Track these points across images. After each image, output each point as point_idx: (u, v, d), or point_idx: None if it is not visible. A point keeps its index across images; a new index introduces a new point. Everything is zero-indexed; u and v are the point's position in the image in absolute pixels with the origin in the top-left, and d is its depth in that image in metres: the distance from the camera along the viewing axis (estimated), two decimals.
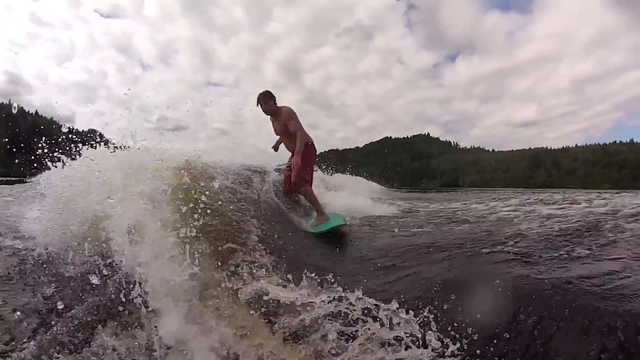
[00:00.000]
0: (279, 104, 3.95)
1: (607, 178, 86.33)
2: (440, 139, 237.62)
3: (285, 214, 3.70)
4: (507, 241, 2.65)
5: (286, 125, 3.84)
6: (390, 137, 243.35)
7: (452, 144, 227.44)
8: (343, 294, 1.50)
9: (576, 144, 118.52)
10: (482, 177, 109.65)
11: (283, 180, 4.29)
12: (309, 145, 3.93)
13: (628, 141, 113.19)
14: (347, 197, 5.85)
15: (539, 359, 1.34)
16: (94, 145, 2.62)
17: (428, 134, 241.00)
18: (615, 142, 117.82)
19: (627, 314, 1.44)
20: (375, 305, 1.45)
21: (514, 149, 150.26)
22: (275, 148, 4.35)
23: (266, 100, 3.82)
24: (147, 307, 1.56)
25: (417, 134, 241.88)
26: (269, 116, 3.98)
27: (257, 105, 3.85)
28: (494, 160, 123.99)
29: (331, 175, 8.27)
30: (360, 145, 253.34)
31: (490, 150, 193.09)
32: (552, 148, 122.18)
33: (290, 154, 4.13)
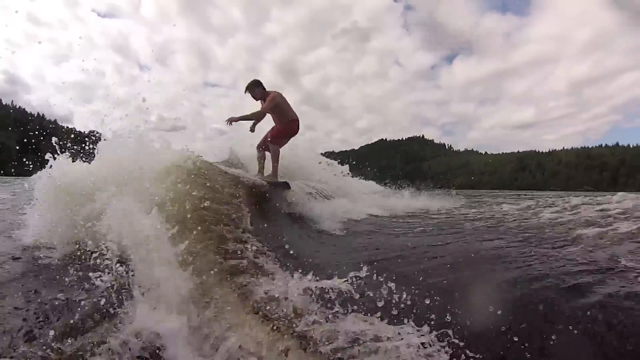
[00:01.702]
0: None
1: (587, 180, 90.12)
2: (435, 141, 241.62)
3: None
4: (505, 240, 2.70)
5: (274, 105, 4.41)
6: (385, 139, 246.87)
7: (446, 146, 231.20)
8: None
9: (563, 147, 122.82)
10: (470, 179, 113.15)
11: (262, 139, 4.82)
12: (294, 121, 4.64)
13: (613, 144, 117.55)
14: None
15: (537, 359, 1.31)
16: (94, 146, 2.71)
17: (423, 136, 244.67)
18: (601, 145, 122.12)
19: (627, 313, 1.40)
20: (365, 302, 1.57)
21: (505, 152, 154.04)
22: (252, 129, 4.76)
23: (253, 88, 4.44)
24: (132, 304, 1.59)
25: (412, 136, 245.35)
26: (259, 101, 4.55)
27: (245, 92, 4.49)
28: (483, 163, 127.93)
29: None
30: (356, 148, 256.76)
31: (483, 152, 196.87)
32: (540, 151, 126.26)
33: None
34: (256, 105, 4.58)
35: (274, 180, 4.44)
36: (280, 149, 4.76)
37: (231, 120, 4.26)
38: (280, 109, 4.52)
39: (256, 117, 4.49)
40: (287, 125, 4.60)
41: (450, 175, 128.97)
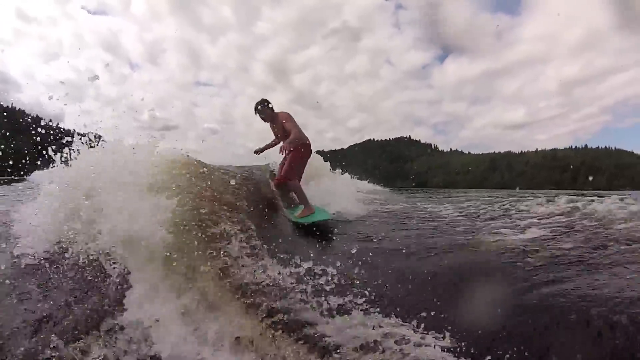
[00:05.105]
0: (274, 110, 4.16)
1: (550, 180, 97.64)
2: (423, 141, 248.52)
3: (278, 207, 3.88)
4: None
5: (284, 127, 4.01)
6: (373, 139, 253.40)
7: (432, 146, 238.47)
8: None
9: (537, 149, 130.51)
10: (446, 179, 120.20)
11: (277, 173, 4.39)
12: (306, 144, 4.06)
13: (582, 146, 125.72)
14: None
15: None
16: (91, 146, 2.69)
17: (409, 136, 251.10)
18: (571, 147, 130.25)
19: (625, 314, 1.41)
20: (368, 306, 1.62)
21: (484, 152, 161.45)
22: (258, 152, 4.58)
23: (264, 108, 4.07)
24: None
25: (399, 136, 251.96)
26: (268, 122, 4.22)
27: (255, 113, 4.11)
28: (461, 164, 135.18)
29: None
30: (345, 147, 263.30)
31: (467, 153, 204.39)
32: (513, 152, 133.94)
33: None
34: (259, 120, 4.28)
35: (311, 212, 3.84)
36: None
37: (258, 152, 4.56)
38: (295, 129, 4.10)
39: (277, 144, 4.42)
40: (300, 151, 4.10)
41: (430, 175, 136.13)
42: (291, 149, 3.88)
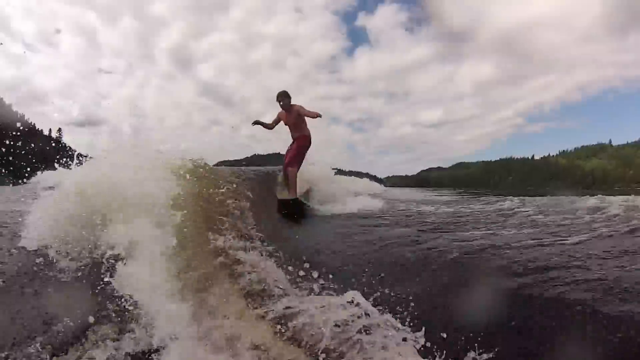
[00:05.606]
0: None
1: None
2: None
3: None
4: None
5: (298, 115, 4.90)
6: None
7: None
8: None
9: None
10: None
11: (284, 160, 5.17)
12: (306, 137, 5.05)
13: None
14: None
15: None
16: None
17: None
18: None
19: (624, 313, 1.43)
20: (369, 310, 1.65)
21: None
22: (256, 123, 5.19)
23: (284, 97, 4.93)
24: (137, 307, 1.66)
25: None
26: (283, 110, 5.01)
27: (277, 100, 4.95)
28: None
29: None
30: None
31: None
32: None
33: (292, 141, 5.12)
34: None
35: (293, 196, 4.82)
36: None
37: (255, 123, 5.23)
38: (304, 121, 5.05)
39: (272, 127, 5.26)
40: (306, 141, 5.12)
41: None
42: (319, 115, 4.73)
